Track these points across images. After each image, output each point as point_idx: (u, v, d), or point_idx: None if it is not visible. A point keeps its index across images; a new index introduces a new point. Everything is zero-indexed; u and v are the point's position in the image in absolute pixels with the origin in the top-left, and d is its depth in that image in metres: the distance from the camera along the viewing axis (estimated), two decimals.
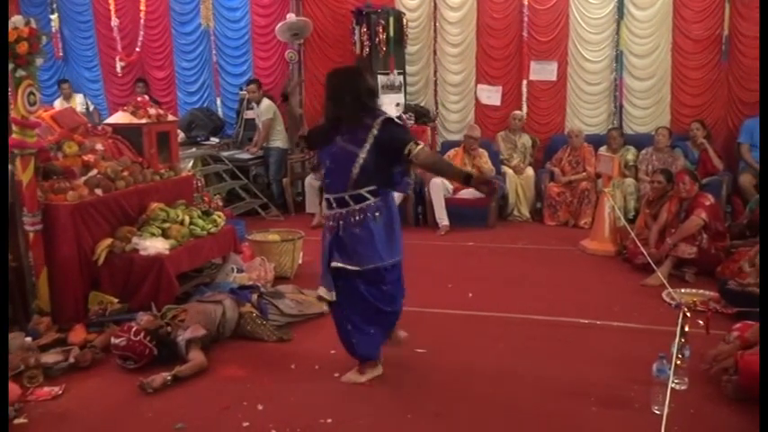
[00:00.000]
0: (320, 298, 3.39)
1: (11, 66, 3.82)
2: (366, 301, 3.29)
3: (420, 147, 3.17)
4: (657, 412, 2.91)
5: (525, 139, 7.61)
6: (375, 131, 3.17)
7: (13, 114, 3.91)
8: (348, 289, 3.27)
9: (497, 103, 8.14)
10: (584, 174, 6.94)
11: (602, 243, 5.80)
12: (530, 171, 7.39)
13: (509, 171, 7.31)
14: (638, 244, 5.04)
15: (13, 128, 3.92)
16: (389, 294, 3.37)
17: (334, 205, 3.28)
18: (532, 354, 3.71)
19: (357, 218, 3.23)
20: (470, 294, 4.73)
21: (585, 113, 7.87)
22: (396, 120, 3.30)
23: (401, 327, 4.12)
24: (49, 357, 3.56)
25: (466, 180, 3.37)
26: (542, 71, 7.93)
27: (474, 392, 3.25)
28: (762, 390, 2.36)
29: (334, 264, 3.23)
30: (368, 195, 3.23)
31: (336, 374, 3.46)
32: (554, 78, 7.90)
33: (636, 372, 3.32)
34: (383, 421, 2.99)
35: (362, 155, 3.16)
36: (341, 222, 3.25)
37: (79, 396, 3.31)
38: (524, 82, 7.99)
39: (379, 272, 3.28)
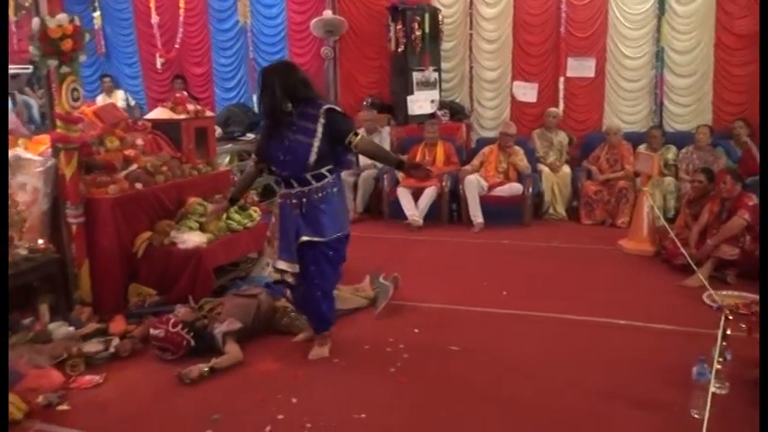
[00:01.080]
0: (281, 271, 3.51)
1: (55, 62, 3.91)
2: (332, 266, 3.61)
3: (359, 137, 3.46)
4: (697, 416, 2.85)
5: (561, 137, 7.52)
6: (322, 120, 3.39)
7: (57, 110, 4.01)
8: (316, 259, 3.51)
9: (533, 99, 8.07)
10: (622, 172, 6.83)
11: (641, 243, 5.70)
12: (566, 169, 7.30)
13: (545, 169, 7.23)
14: (678, 244, 4.94)
15: (57, 123, 4.02)
16: (343, 260, 3.73)
17: (296, 185, 3.46)
18: (567, 354, 3.67)
19: (319, 194, 3.47)
20: (505, 293, 4.70)
21: (624, 111, 7.75)
22: (337, 108, 3.50)
23: (434, 323, 4.14)
24: (91, 347, 3.64)
25: (399, 165, 3.69)
26: (580, 68, 7.83)
27: (507, 392, 3.23)
28: (762, 390, 2.32)
29: (304, 238, 3.44)
30: (326, 173, 3.48)
31: (368, 370, 3.47)
32: (592, 75, 7.79)
33: (673, 375, 3.26)
34: (415, 418, 2.99)
35: (316, 143, 3.38)
36: (304, 200, 3.46)
37: (119, 385, 3.39)
38: (561, 79, 7.90)
39: (341, 240, 3.61)
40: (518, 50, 8.05)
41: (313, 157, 3.38)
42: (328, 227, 3.49)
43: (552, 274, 5.18)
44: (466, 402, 3.12)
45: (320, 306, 3.62)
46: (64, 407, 3.14)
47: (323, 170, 3.46)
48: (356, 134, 3.45)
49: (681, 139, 7.05)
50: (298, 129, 3.39)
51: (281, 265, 3.49)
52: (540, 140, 7.50)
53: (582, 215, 6.93)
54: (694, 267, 4.69)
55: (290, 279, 3.53)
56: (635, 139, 7.11)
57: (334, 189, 3.54)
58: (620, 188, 6.72)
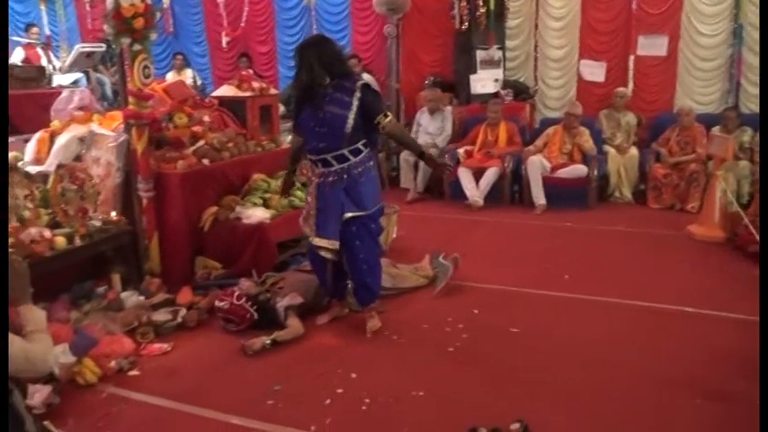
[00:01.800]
0: (323, 248, 3.57)
1: (128, 40, 4.02)
2: (374, 239, 3.73)
3: (388, 119, 3.52)
4: None
5: (630, 118, 7.28)
6: (358, 94, 3.44)
7: (129, 86, 4.13)
8: (360, 233, 3.57)
9: (601, 79, 7.84)
10: (693, 155, 6.57)
11: (712, 229, 5.49)
12: (633, 151, 7.07)
13: (611, 150, 7.03)
14: (753, 231, 4.74)
15: (130, 99, 4.14)
16: (381, 232, 3.89)
17: (335, 163, 3.51)
18: (630, 341, 3.58)
19: (359, 169, 3.54)
20: (567, 276, 4.62)
21: (697, 91, 7.45)
22: (371, 86, 3.63)
23: (494, 305, 4.12)
24: (160, 316, 3.78)
25: (420, 155, 3.79)
26: (651, 46, 7.55)
27: (569, 376, 3.18)
28: (762, 389, 2.21)
29: (349, 215, 3.51)
30: (362, 147, 3.55)
31: (429, 347, 3.49)
32: (664, 53, 7.51)
33: (744, 366, 3.14)
34: (473, 399, 2.98)
35: (351, 116, 3.43)
36: (345, 176, 3.52)
37: (186, 353, 3.51)
38: (631, 57, 7.65)
39: (380, 212, 3.78)
40: (586, 28, 7.82)
41: (348, 129, 3.43)
42: (370, 200, 3.59)
43: (617, 259, 5.06)
44: (525, 386, 3.10)
45: (366, 279, 3.69)
46: (134, 372, 3.29)
47: (359, 144, 3.52)
48: (386, 115, 3.52)
49: (758, 121, 6.70)
50: (332, 100, 3.44)
51: (319, 242, 3.57)
52: (607, 121, 7.29)
53: (649, 199, 6.72)
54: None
55: (328, 256, 3.59)
56: (708, 121, 6.82)
57: (371, 163, 3.64)
58: (691, 172, 6.47)
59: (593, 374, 3.20)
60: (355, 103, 3.42)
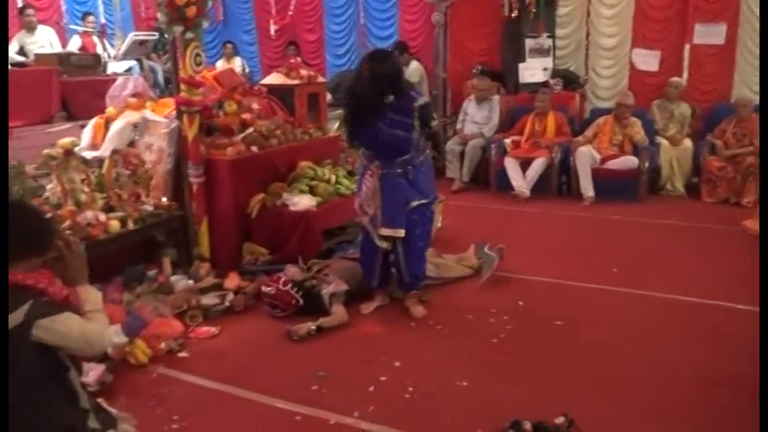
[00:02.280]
0: (386, 237, 3.69)
1: (180, 28, 4.09)
2: (430, 226, 3.96)
3: (435, 122, 4.10)
4: None
5: (683, 108, 7.06)
6: (416, 114, 3.62)
7: (181, 74, 4.21)
8: (422, 220, 3.77)
9: (655, 68, 7.62)
10: (750, 147, 6.35)
11: None
12: (687, 142, 6.87)
13: (663, 142, 6.84)
14: None
15: (181, 87, 4.22)
16: None
17: (399, 160, 3.65)
18: (679, 337, 3.50)
19: (420, 158, 3.72)
20: (615, 270, 4.53)
21: (757, 81, 7.15)
22: (424, 102, 3.80)
23: (540, 296, 4.08)
24: (208, 300, 3.86)
25: None
26: (708, 34, 7.29)
27: (614, 372, 3.13)
28: (762, 389, 2.12)
29: (414, 203, 3.67)
30: (422, 142, 3.77)
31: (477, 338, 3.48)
32: (722, 42, 7.24)
33: None
34: (517, 391, 2.97)
35: (415, 134, 3.65)
36: (409, 167, 3.66)
37: (233, 337, 3.58)
38: (687, 46, 7.40)
39: (436, 198, 4.04)
40: (640, 16, 7.60)
41: (414, 143, 3.66)
42: (429, 187, 3.80)
43: (667, 253, 4.94)
44: (570, 379, 3.06)
45: (419, 266, 3.85)
46: (183, 354, 3.37)
47: (420, 142, 3.75)
48: (434, 119, 4.01)
49: None
50: (393, 123, 3.55)
51: (387, 232, 3.65)
52: (659, 112, 7.09)
53: (703, 192, 6.53)
54: None
55: (384, 245, 3.68)
56: (760, 101, 6.55)
57: (428, 151, 3.89)
58: (748, 165, 6.26)
59: (640, 369, 3.14)
60: (416, 123, 3.62)
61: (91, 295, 2.13)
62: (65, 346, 1.96)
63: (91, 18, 8.73)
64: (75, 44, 8.23)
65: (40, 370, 1.92)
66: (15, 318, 1.85)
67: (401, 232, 3.67)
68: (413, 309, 3.80)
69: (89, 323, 2.01)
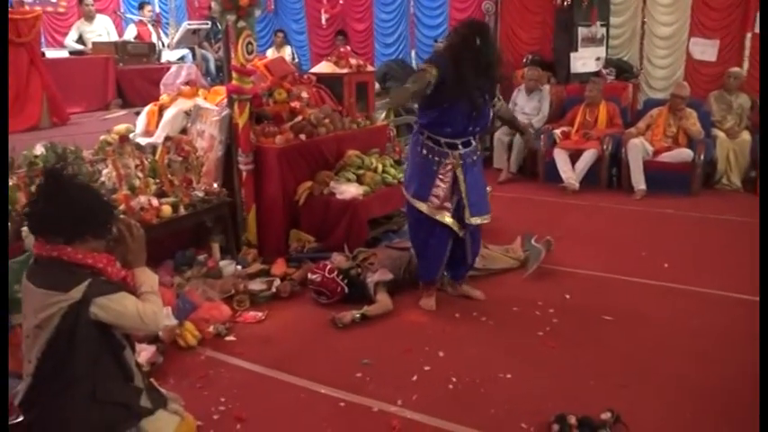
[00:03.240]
0: (469, 226, 3.66)
1: (233, 17, 4.15)
2: None
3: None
4: None
5: (743, 100, 6.81)
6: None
7: (233, 62, 4.27)
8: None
9: (713, 58, 7.38)
10: None
11: None
12: (745, 135, 6.63)
13: (720, 134, 6.62)
14: None
15: (233, 75, 4.28)
16: None
17: (474, 143, 3.63)
18: (732, 335, 3.40)
19: (480, 147, 3.78)
20: (666, 265, 4.42)
21: None
22: None
23: (587, 290, 4.01)
24: (255, 285, 3.93)
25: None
26: None
27: (663, 368, 3.06)
28: (762, 389, 2.01)
29: (489, 188, 3.86)
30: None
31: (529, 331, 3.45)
32: None
33: None
34: (563, 385, 2.93)
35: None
36: (478, 154, 3.71)
37: (279, 322, 3.64)
38: (748, 35, 7.13)
39: None
40: (699, 3, 7.37)
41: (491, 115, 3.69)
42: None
43: (721, 249, 4.80)
44: (617, 375, 3.01)
45: (479, 245, 3.89)
46: (231, 338, 3.44)
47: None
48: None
49: None
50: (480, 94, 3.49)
51: (477, 220, 3.65)
52: (717, 103, 6.86)
53: (761, 187, 6.30)
54: None
55: (462, 233, 3.65)
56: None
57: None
58: None
59: (689, 368, 3.07)
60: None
61: (148, 277, 2.20)
62: (120, 325, 2.03)
63: (148, 8, 8.93)
64: (131, 33, 8.44)
65: (97, 347, 1.99)
66: (74, 294, 1.93)
67: (489, 218, 3.72)
68: (473, 292, 3.87)
69: (145, 303, 2.07)
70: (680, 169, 6.31)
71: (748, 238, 5.02)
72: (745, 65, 7.15)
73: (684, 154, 6.31)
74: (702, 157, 6.26)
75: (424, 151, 3.54)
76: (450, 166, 3.53)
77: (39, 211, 2.02)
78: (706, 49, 7.42)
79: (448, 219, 3.57)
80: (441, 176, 3.53)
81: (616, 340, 3.37)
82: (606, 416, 2.57)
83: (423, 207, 3.56)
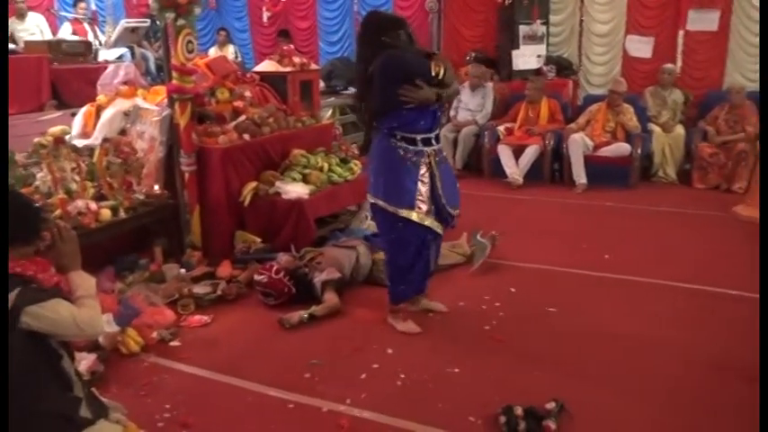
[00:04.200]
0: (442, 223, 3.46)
1: (172, 15, 4.06)
2: None
3: None
4: None
5: (676, 95, 7.07)
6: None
7: (173, 61, 4.18)
8: None
9: (648, 55, 7.63)
10: (742, 134, 6.37)
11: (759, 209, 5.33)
12: (679, 129, 6.88)
13: (656, 129, 6.85)
14: None
15: (173, 74, 4.19)
16: None
17: (435, 142, 3.38)
18: (673, 322, 3.53)
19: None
20: (607, 256, 4.55)
21: (749, 68, 7.18)
22: None
23: (532, 283, 4.08)
24: (200, 288, 3.86)
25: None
26: (702, 20, 7.30)
27: (607, 356, 3.16)
28: (762, 389, 2.13)
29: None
30: None
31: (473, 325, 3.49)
32: (715, 28, 7.25)
33: None
34: (510, 376, 2.99)
35: None
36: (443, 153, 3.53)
37: (225, 325, 3.58)
38: (680, 32, 7.40)
39: None
40: (634, 2, 7.61)
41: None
42: None
43: (659, 240, 4.96)
44: (562, 365, 3.08)
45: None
46: (175, 343, 3.37)
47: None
48: None
49: None
50: None
51: (456, 211, 3.48)
52: (652, 99, 7.09)
53: (694, 179, 6.55)
54: None
55: (440, 230, 3.45)
56: (759, 99, 6.57)
57: None
58: (739, 151, 6.28)
59: (631, 355, 3.16)
60: None
61: (84, 281, 2.12)
62: (55, 333, 1.95)
63: (82, 5, 8.65)
64: (66, 31, 8.17)
65: (32, 358, 1.92)
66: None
67: (458, 210, 3.51)
68: (435, 306, 3.69)
69: (80, 309, 2.00)
70: (619, 163, 6.49)
71: (684, 228, 5.24)
72: (678, 61, 7.41)
73: (623, 148, 6.50)
74: (640, 151, 6.47)
75: (401, 153, 3.27)
76: (426, 167, 3.31)
77: None
78: (641, 47, 7.66)
79: (435, 223, 3.36)
80: (422, 179, 3.30)
81: (560, 331, 3.44)
82: (551, 405, 2.62)
83: (413, 216, 3.26)
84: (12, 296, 1.86)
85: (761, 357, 2.28)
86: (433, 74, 3.21)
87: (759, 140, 5.77)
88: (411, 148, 3.28)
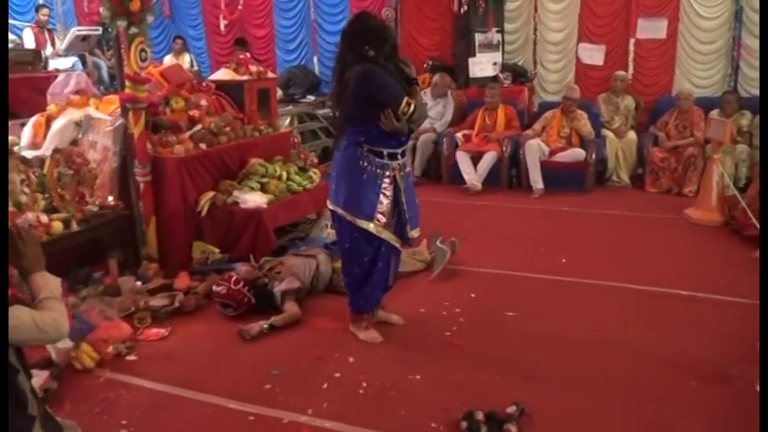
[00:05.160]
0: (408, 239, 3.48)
1: (125, 23, 3.99)
2: None
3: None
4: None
5: (628, 101, 7.25)
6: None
7: (126, 70, 4.11)
8: None
9: (600, 62, 7.81)
10: (691, 139, 6.56)
11: (709, 212, 5.49)
12: (632, 135, 7.04)
13: (609, 134, 7.00)
14: (750, 214, 4.74)
15: (126, 83, 4.12)
16: None
17: (400, 157, 3.34)
18: (628, 324, 3.60)
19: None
20: (564, 260, 4.63)
21: (697, 74, 7.41)
22: None
23: (491, 288, 4.12)
24: (157, 301, 3.79)
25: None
26: (650, 29, 7.51)
27: (566, 359, 3.20)
28: (762, 390, 2.21)
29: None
30: None
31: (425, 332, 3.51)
32: (663, 36, 7.47)
33: (740, 348, 3.16)
34: (471, 381, 3.00)
35: None
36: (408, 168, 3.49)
37: (184, 338, 3.52)
38: (631, 40, 7.60)
39: None
40: (586, 11, 7.77)
41: None
42: None
43: (614, 243, 5.06)
44: (522, 369, 3.11)
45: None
46: (132, 357, 3.29)
47: None
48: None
49: (757, 105, 6.65)
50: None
51: (415, 233, 3.47)
52: (605, 105, 7.26)
53: (647, 183, 6.71)
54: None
55: (399, 245, 3.42)
56: (707, 105, 6.79)
57: None
58: (689, 155, 6.46)
59: (590, 357, 3.21)
60: None
61: (47, 282, 2.05)
62: (18, 341, 1.90)
63: (45, 11, 8.40)
64: (28, 38, 7.96)
65: None
66: None
67: (419, 231, 3.51)
68: (392, 318, 3.64)
69: (41, 312, 1.94)
70: (574, 168, 6.62)
71: (638, 231, 5.36)
72: (630, 68, 7.61)
73: (578, 153, 6.63)
74: (594, 156, 6.60)
75: (365, 164, 3.22)
76: (389, 180, 3.28)
77: None
78: (594, 54, 7.83)
79: (392, 236, 3.33)
80: (384, 191, 3.26)
81: (520, 335, 3.48)
82: (512, 409, 2.65)
83: (370, 227, 3.23)
84: None
85: (761, 358, 2.33)
86: (401, 111, 3.15)
87: (759, 145, 5.92)
88: (377, 160, 3.25)
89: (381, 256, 3.35)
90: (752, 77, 7.14)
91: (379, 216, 3.26)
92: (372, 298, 3.48)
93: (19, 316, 1.87)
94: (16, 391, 1.93)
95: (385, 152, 3.25)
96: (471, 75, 7.84)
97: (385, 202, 3.27)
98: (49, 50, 7.86)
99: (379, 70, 3.14)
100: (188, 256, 4.34)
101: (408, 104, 3.18)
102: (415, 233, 3.46)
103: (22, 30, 8.22)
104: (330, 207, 3.40)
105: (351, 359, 3.23)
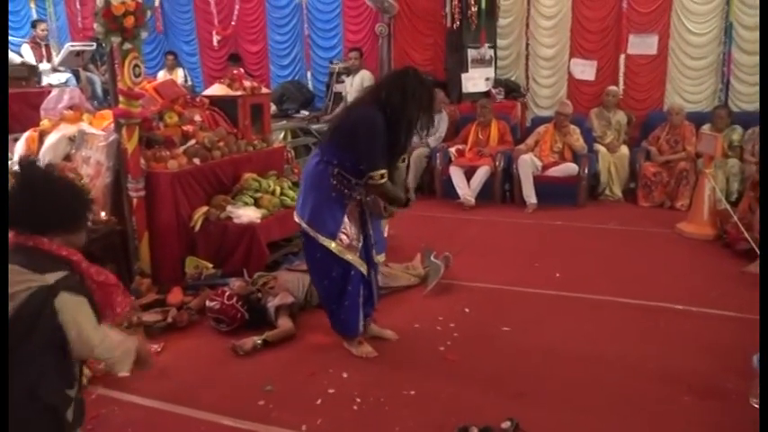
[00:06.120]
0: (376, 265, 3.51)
1: (118, 39, 4.00)
2: None
3: None
4: (756, 405, 2.77)
5: (620, 116, 7.30)
6: None
7: (119, 85, 4.11)
8: None
9: (592, 78, 7.89)
10: (683, 153, 6.61)
11: (701, 226, 5.52)
12: (624, 149, 7.10)
13: (602, 149, 7.05)
14: (742, 228, 4.77)
15: (120, 98, 4.12)
16: None
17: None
18: (622, 338, 3.60)
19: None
20: (558, 274, 4.63)
21: (687, 90, 7.49)
22: None
23: (485, 303, 4.12)
24: (150, 316, 3.76)
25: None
26: (641, 44, 7.60)
27: (560, 374, 3.20)
28: (762, 389, 2.22)
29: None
30: None
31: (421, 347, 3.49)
32: (654, 52, 7.56)
33: (734, 362, 3.17)
34: (466, 396, 2.99)
35: None
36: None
37: (176, 354, 3.50)
38: (622, 56, 7.68)
39: None
40: (577, 27, 7.86)
41: None
42: None
43: (607, 257, 5.08)
44: (517, 384, 3.10)
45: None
46: (124, 373, 3.24)
47: None
48: None
49: (747, 120, 6.74)
50: None
51: (382, 258, 3.52)
52: (597, 120, 7.31)
53: (639, 197, 6.75)
54: (758, 253, 4.52)
55: (363, 270, 3.36)
56: (698, 119, 6.85)
57: None
58: (681, 170, 6.51)
59: (585, 372, 3.21)
60: None
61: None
62: (71, 332, 1.94)
63: (43, 26, 8.43)
64: (27, 53, 7.97)
65: (53, 340, 1.91)
66: (48, 279, 1.89)
67: (384, 256, 3.55)
68: (384, 333, 3.61)
69: (101, 328, 2.04)
70: (567, 182, 6.65)
71: (631, 245, 5.38)
72: (621, 83, 7.68)
73: (570, 168, 6.66)
74: (587, 171, 6.64)
75: (334, 182, 3.20)
76: (356, 203, 3.29)
77: (13, 203, 1.98)
78: (585, 69, 7.91)
79: (356, 259, 3.27)
80: (349, 213, 3.26)
81: (514, 350, 3.47)
82: (506, 425, 2.64)
83: (331, 245, 3.19)
84: (58, 275, 1.91)
85: (761, 358, 2.33)
86: (370, 176, 3.12)
87: (759, 149, 5.96)
88: (345, 181, 3.22)
89: (351, 279, 3.28)
90: (742, 92, 7.23)
91: (342, 236, 3.22)
92: (351, 323, 3.39)
93: (83, 311, 1.97)
94: (69, 369, 2.03)
95: (353, 181, 3.23)
96: (464, 90, 7.88)
97: (348, 223, 3.24)
98: (46, 66, 7.87)
99: (379, 126, 3.09)
100: (181, 272, 4.32)
101: (382, 177, 3.13)
102: (380, 258, 3.49)
103: (19, 46, 8.24)
104: (296, 219, 3.36)
105: (345, 374, 3.21)
